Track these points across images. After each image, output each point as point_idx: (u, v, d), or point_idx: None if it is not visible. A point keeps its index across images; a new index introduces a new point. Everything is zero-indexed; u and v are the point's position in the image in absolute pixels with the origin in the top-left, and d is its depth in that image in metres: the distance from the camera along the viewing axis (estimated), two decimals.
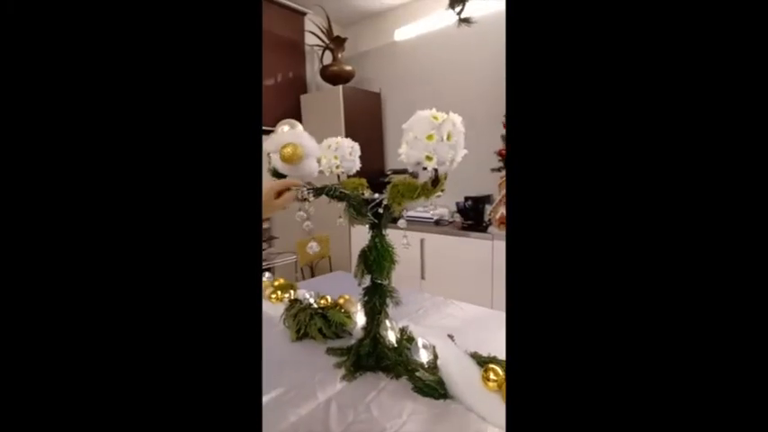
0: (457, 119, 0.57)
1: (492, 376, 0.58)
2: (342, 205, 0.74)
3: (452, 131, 0.55)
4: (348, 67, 2.52)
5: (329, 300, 0.95)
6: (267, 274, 1.19)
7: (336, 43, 2.51)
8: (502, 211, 1.77)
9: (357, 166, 0.83)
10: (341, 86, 2.36)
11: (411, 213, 2.17)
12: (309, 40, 2.67)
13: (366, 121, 2.53)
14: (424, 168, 0.58)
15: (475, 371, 0.61)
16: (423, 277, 2.02)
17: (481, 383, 0.58)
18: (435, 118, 0.55)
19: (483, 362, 0.62)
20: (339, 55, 2.53)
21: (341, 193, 0.72)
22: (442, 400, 0.62)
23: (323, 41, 2.56)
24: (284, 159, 0.61)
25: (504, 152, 1.82)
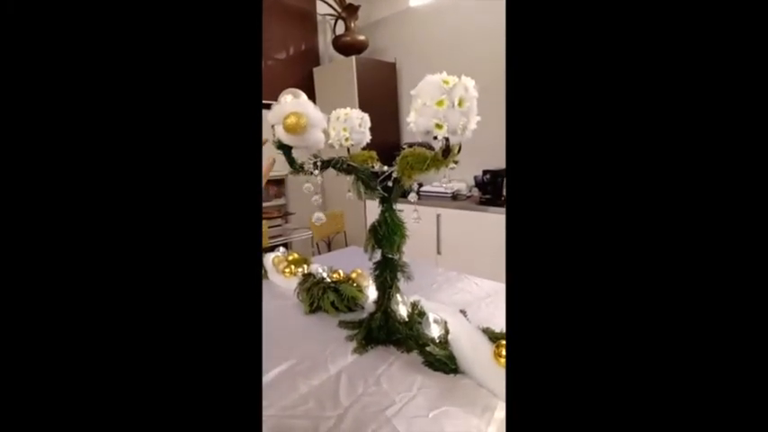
0: (469, 83, 0.53)
1: (504, 352, 0.56)
2: (351, 179, 0.72)
3: (464, 97, 0.52)
4: (361, 37, 2.43)
5: (342, 274, 0.95)
6: (282, 249, 1.20)
7: (349, 12, 2.42)
8: None
9: (367, 138, 0.80)
10: (354, 57, 2.28)
11: (427, 188, 2.14)
12: (321, 9, 2.58)
13: (381, 93, 2.46)
14: (435, 138, 0.55)
15: (486, 346, 0.60)
16: (439, 252, 2.01)
17: (492, 359, 0.57)
18: (446, 82, 0.51)
19: (495, 337, 0.61)
20: (352, 24, 2.44)
21: (348, 165, 0.69)
22: (452, 375, 0.61)
23: (335, 10, 2.46)
24: (287, 129, 0.59)
25: None
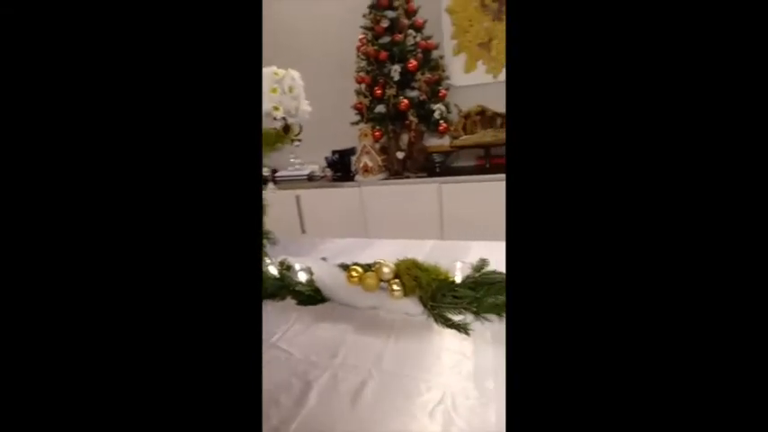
0: (295, 74, 0.68)
1: (353, 273, 0.76)
2: None
3: (293, 85, 0.67)
4: None
5: None
6: None
7: None
8: (364, 160, 1.98)
9: None
10: None
11: (284, 173, 2.23)
12: None
13: None
14: (275, 118, 0.69)
15: (342, 275, 0.79)
16: (303, 231, 2.15)
17: (346, 281, 0.76)
18: (276, 74, 0.65)
19: (345, 266, 0.81)
20: None
21: None
22: (320, 305, 0.79)
23: None
24: None
25: (359, 106, 1.98)
